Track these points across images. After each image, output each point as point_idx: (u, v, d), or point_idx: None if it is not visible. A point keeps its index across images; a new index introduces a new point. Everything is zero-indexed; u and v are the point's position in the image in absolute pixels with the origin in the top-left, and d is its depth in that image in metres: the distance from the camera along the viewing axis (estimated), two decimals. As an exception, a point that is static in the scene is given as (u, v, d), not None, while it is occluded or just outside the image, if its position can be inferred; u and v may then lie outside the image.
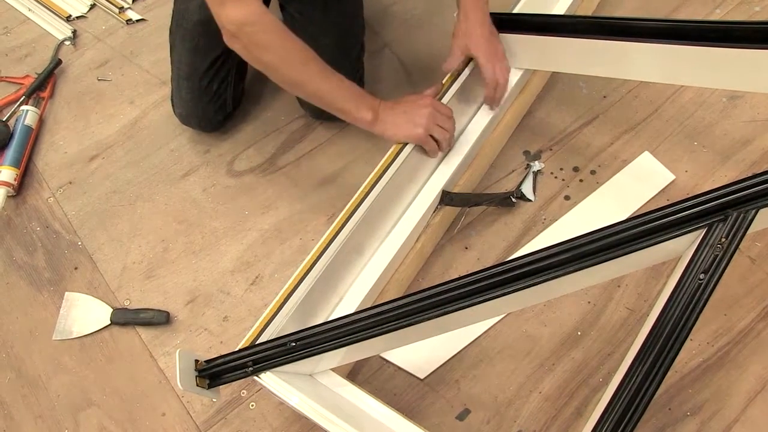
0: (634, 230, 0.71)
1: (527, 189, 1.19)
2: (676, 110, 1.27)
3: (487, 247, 1.14)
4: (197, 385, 0.80)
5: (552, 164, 1.23)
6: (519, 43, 1.13)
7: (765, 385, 0.96)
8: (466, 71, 1.12)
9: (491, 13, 1.10)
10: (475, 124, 1.16)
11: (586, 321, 1.04)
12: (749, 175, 0.71)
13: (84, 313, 1.15)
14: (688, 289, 0.69)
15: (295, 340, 0.80)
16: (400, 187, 1.04)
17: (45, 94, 1.49)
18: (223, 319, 1.12)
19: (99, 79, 1.52)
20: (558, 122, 1.28)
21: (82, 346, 1.12)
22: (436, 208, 1.10)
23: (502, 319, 1.05)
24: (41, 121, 1.45)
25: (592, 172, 1.21)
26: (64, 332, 1.13)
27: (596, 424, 0.68)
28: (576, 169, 1.21)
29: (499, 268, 0.74)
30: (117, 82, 1.51)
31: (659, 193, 1.16)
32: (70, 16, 1.67)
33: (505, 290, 0.73)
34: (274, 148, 1.34)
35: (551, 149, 1.25)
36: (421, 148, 1.04)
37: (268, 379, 0.81)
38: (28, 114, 1.41)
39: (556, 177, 1.21)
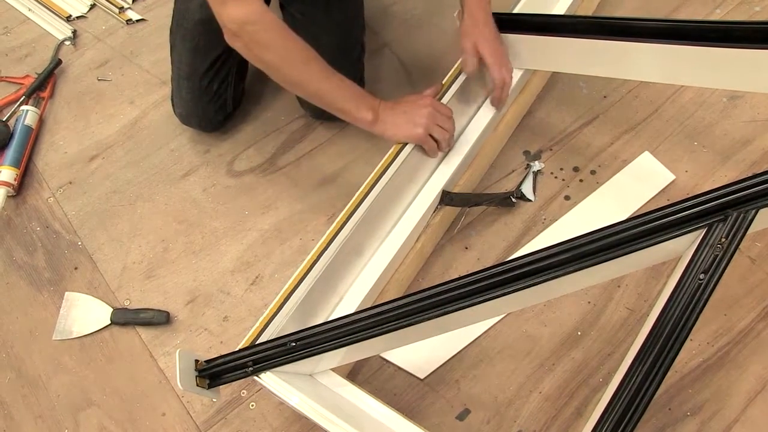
0: (634, 230, 0.71)
1: (527, 189, 1.19)
2: (676, 110, 1.27)
3: (487, 247, 1.14)
4: (197, 385, 0.80)
5: (552, 164, 1.23)
6: (519, 43, 1.13)
7: (765, 385, 0.96)
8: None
9: (492, 13, 1.10)
10: (475, 124, 1.16)
11: (586, 321, 1.04)
12: (749, 175, 0.71)
13: (84, 313, 1.15)
14: (688, 289, 0.69)
15: (295, 340, 0.80)
16: (400, 187, 1.04)
17: (45, 94, 1.49)
18: (223, 319, 1.12)
19: (99, 79, 1.52)
20: (558, 122, 1.28)
21: (82, 346, 1.12)
22: (436, 208, 1.10)
23: (502, 319, 1.05)
24: (41, 121, 1.45)
25: (592, 172, 1.21)
26: (64, 332, 1.13)
27: (596, 424, 0.68)
28: (576, 169, 1.21)
29: (499, 268, 0.74)
30: (117, 82, 1.51)
31: (659, 193, 1.16)
32: (70, 16, 1.67)
33: (505, 290, 0.73)
34: (274, 148, 1.34)
35: (551, 149, 1.25)
36: (421, 148, 1.04)
37: (268, 379, 0.81)
38: (28, 114, 1.41)
39: (556, 177, 1.21)
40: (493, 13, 1.10)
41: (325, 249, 0.92)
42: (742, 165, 1.18)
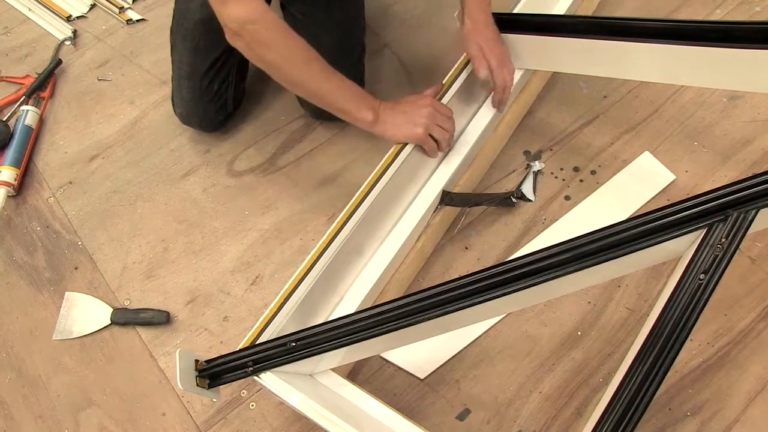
0: (635, 230, 0.71)
1: (527, 189, 1.19)
2: (676, 110, 1.27)
3: (488, 247, 1.14)
4: (197, 385, 0.80)
5: (552, 164, 1.23)
6: (519, 43, 1.13)
7: (765, 386, 0.96)
8: (466, 72, 1.11)
9: (491, 14, 1.10)
10: (476, 124, 1.16)
11: (587, 321, 1.04)
12: (749, 175, 0.71)
13: (84, 313, 1.15)
14: (688, 289, 0.69)
15: (295, 340, 0.80)
16: (400, 187, 1.04)
17: (45, 94, 1.49)
18: (223, 319, 1.12)
19: (99, 79, 1.52)
20: (558, 122, 1.28)
21: (83, 346, 1.12)
22: (437, 208, 1.10)
23: (502, 319, 1.05)
24: (41, 121, 1.45)
25: (593, 172, 1.21)
26: (65, 332, 1.13)
27: (596, 424, 0.68)
28: (576, 169, 1.21)
29: (499, 268, 0.74)
30: (117, 82, 1.51)
31: (659, 193, 1.16)
32: (71, 16, 1.67)
33: (505, 290, 0.73)
34: (274, 148, 1.34)
35: (551, 149, 1.25)
36: (421, 148, 1.04)
37: (268, 379, 0.81)
38: (29, 114, 1.41)
39: (556, 177, 1.21)
40: (493, 13, 1.10)
41: (325, 249, 0.92)
42: (742, 165, 1.18)
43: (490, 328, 1.04)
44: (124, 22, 1.63)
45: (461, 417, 0.97)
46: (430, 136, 1.03)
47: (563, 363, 1.00)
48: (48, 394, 1.08)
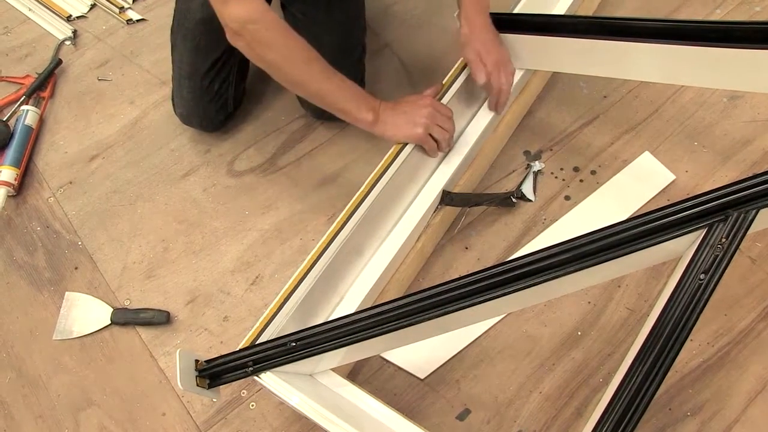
0: (635, 230, 0.71)
1: (527, 189, 1.19)
2: (676, 110, 1.27)
3: (488, 247, 1.14)
4: (197, 385, 0.80)
5: (552, 164, 1.23)
6: (519, 43, 1.13)
7: (765, 386, 0.96)
8: (466, 72, 1.11)
9: (491, 14, 1.10)
10: (476, 124, 1.16)
11: (587, 321, 1.04)
12: (750, 175, 0.71)
13: (84, 313, 1.15)
14: (688, 289, 0.69)
15: (295, 340, 0.80)
16: (400, 187, 1.04)
17: (45, 93, 1.49)
18: (223, 319, 1.12)
19: (99, 79, 1.52)
20: (558, 122, 1.28)
21: (83, 346, 1.12)
22: (437, 208, 1.10)
23: (502, 319, 1.05)
24: (41, 121, 1.45)
25: (593, 172, 1.21)
26: (65, 332, 1.13)
27: (596, 424, 0.68)
28: (576, 169, 1.21)
29: (500, 268, 0.74)
30: (117, 82, 1.51)
31: (659, 193, 1.16)
32: (71, 16, 1.67)
33: (506, 290, 0.73)
34: (274, 148, 1.34)
35: (551, 149, 1.25)
36: (421, 148, 1.04)
37: (268, 379, 0.81)
38: (29, 114, 1.41)
39: (556, 177, 1.21)
40: (492, 13, 1.10)
41: (326, 249, 0.92)
42: (742, 165, 1.18)
43: (490, 328, 1.04)
44: (125, 22, 1.63)
45: (461, 417, 0.97)
46: (430, 136, 1.03)
47: (563, 363, 1.00)
48: (48, 394, 1.08)
